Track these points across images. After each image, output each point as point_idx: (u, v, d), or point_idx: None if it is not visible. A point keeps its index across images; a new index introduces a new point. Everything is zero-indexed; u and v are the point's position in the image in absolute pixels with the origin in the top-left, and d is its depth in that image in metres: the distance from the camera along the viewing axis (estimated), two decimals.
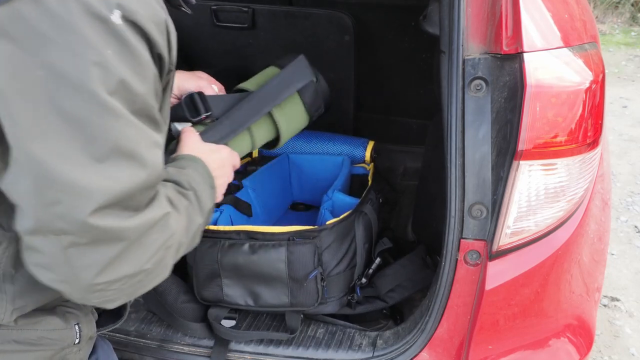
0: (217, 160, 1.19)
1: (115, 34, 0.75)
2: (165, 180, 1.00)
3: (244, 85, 1.52)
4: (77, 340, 1.04)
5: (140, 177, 0.80)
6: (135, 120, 0.79)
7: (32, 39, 0.72)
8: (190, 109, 1.35)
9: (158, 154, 0.84)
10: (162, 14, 0.85)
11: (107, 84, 0.75)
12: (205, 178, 1.09)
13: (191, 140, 1.23)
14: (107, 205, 0.77)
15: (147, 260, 0.85)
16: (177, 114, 1.35)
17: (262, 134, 1.47)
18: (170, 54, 0.88)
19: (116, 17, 0.75)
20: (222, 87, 1.50)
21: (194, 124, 1.34)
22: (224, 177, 1.22)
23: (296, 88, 1.49)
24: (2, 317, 0.92)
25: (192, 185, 1.03)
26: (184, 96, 1.37)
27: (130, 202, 0.80)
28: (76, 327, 1.04)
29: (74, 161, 0.75)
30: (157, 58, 0.84)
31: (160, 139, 0.86)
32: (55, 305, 1.02)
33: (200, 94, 1.37)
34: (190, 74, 1.46)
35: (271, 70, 1.56)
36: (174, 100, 1.39)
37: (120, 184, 0.77)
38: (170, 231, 0.89)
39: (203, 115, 1.34)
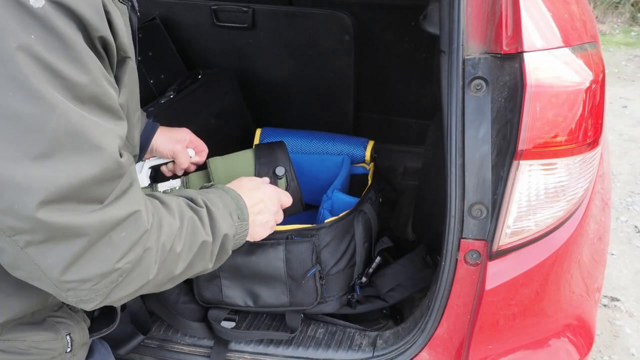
0: (255, 197, 1.19)
1: (37, 18, 0.69)
2: (180, 196, 1.02)
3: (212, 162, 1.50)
4: (68, 349, 1.02)
5: (90, 169, 0.75)
6: (78, 109, 0.73)
7: None
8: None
9: (113, 144, 0.78)
10: None
11: (35, 71, 0.70)
12: (228, 205, 1.08)
13: (240, 180, 1.25)
14: (55, 200, 0.72)
15: (118, 258, 0.81)
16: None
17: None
18: (118, 37, 0.82)
19: (36, 0, 0.69)
20: (203, 149, 1.52)
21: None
22: (265, 214, 1.22)
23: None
24: None
25: (207, 204, 1.02)
26: (148, 166, 1.45)
27: (86, 195, 0.75)
28: (67, 337, 1.02)
29: (9, 156, 0.70)
30: (101, 42, 0.78)
31: (118, 127, 0.81)
32: (44, 317, 1.00)
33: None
34: (169, 135, 1.47)
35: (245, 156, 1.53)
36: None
37: (65, 177, 0.72)
38: (142, 228, 0.84)
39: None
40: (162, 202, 0.95)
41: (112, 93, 0.79)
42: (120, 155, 0.80)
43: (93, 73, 0.75)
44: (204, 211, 1.01)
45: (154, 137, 1.43)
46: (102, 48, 0.78)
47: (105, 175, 0.77)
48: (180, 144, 1.47)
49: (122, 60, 0.85)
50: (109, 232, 0.79)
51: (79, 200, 0.75)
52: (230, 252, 1.09)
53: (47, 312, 1.01)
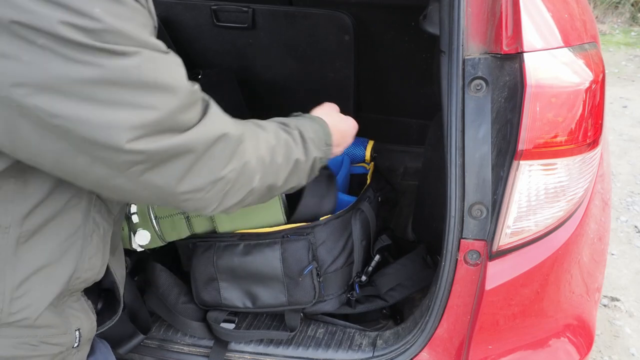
0: (341, 130, 1.32)
1: None
2: (273, 121, 1.16)
3: None
4: (76, 344, 1.04)
5: (175, 100, 0.85)
6: (147, 52, 0.82)
7: (22, 15, 0.73)
8: None
9: (183, 75, 0.89)
10: None
11: (102, 37, 0.77)
12: (319, 132, 1.20)
13: (325, 108, 1.38)
14: (150, 132, 0.82)
15: (222, 167, 0.93)
16: None
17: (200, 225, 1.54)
18: (149, 5, 0.90)
19: None
20: None
21: None
22: (342, 146, 1.35)
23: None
24: (1, 306, 0.92)
25: (299, 127, 1.15)
26: None
27: (175, 122, 0.86)
28: (77, 332, 1.04)
29: (103, 105, 0.79)
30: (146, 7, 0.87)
31: (176, 58, 0.90)
32: (64, 307, 1.02)
33: None
34: None
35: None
36: None
37: (153, 112, 0.82)
38: (236, 141, 0.95)
39: None
40: (257, 124, 1.09)
41: (160, 42, 0.88)
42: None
43: (144, 28, 0.84)
44: (296, 133, 1.13)
45: None
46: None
47: (186, 101, 0.87)
48: None
49: (153, 29, 0.92)
50: (209, 148, 0.91)
51: (172, 126, 0.85)
52: (317, 173, 1.21)
53: (68, 302, 1.04)
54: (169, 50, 0.88)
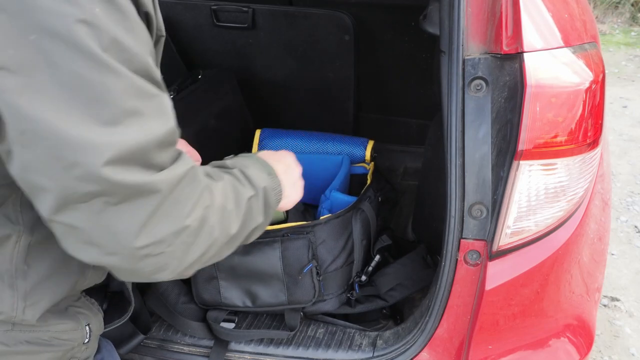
0: (276, 159, 1.20)
1: None
2: (208, 166, 1.03)
3: None
4: (86, 340, 1.06)
5: (153, 132, 0.78)
6: (137, 78, 0.77)
7: (17, 4, 0.70)
8: None
9: (167, 110, 0.83)
10: None
11: (99, 41, 0.73)
12: (257, 164, 1.09)
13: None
14: (124, 160, 0.75)
15: (186, 215, 0.83)
16: None
17: None
18: (157, 15, 0.86)
19: None
20: (197, 159, 1.46)
21: None
22: (291, 174, 1.23)
23: None
24: (15, 314, 0.93)
25: (236, 165, 1.05)
26: None
27: (149, 159, 0.79)
28: (87, 327, 1.06)
29: (83, 120, 0.73)
30: (145, 17, 0.82)
31: (166, 98, 0.84)
32: (67, 305, 1.03)
33: None
34: None
35: None
36: None
37: (131, 138, 0.76)
38: (202, 184, 0.87)
39: None
40: (204, 172, 0.99)
41: (154, 67, 0.82)
42: None
43: (142, 45, 0.79)
44: (236, 170, 1.03)
45: None
46: (146, 23, 0.82)
47: (165, 139, 0.80)
48: None
49: (158, 39, 0.89)
50: (175, 189, 0.82)
51: (144, 163, 0.78)
52: (275, 207, 1.10)
53: (69, 301, 1.04)
54: (162, 83, 0.84)
